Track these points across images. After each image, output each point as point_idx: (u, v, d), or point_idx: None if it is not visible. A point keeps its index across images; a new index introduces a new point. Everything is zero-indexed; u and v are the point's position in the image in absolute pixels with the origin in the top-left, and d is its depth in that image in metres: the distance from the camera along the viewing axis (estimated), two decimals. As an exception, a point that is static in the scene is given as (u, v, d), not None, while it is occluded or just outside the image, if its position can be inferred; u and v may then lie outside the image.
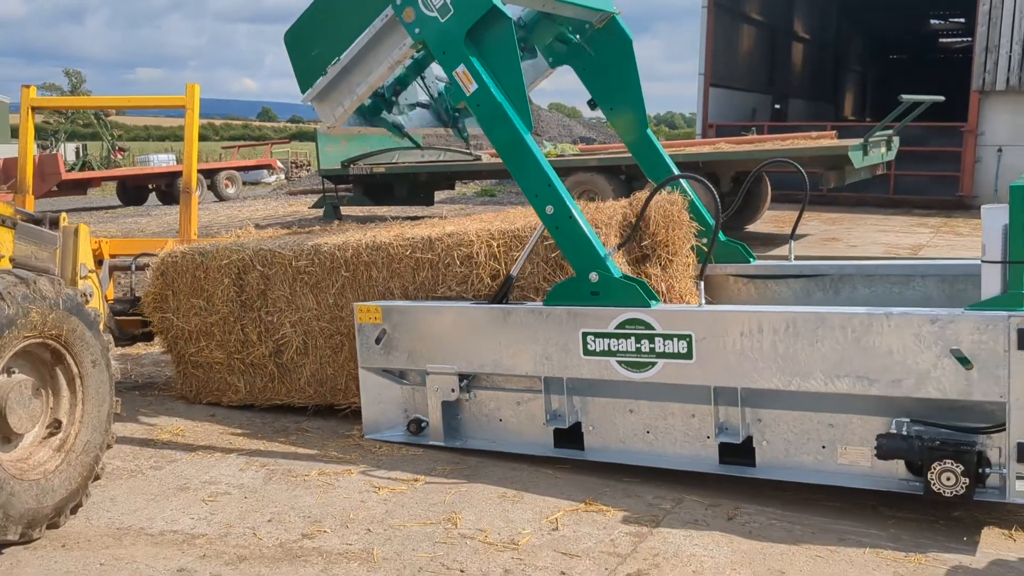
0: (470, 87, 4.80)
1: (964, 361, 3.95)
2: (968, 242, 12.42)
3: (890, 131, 12.71)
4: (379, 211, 16.03)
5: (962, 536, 4.05)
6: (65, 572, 3.79)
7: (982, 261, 4.08)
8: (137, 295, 6.95)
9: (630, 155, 14.03)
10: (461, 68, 4.80)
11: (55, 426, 4.27)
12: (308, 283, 5.64)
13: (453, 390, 5.08)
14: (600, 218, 5.31)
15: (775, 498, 4.43)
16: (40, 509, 4.01)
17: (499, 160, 16.69)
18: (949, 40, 34.50)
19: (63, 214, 6.52)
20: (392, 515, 4.31)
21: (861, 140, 11.83)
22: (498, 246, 5.22)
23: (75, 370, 4.32)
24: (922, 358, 4.02)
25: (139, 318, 6.64)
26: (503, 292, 5.04)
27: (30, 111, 7.63)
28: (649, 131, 5.97)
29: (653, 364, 4.55)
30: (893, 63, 35.77)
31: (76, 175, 25.78)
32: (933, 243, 12.69)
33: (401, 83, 5.78)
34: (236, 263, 5.82)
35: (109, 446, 4.50)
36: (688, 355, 4.48)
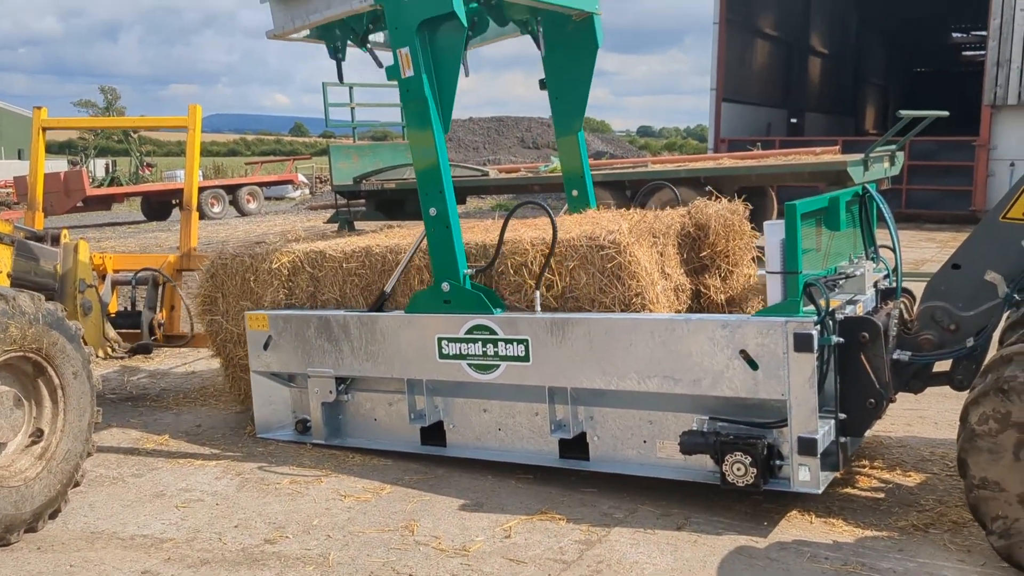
0: (407, 71, 5.02)
1: (751, 363, 4.25)
2: (972, 257, 12.39)
3: (892, 146, 12.76)
4: (393, 225, 16.25)
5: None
6: (37, 573, 4.00)
7: (766, 272, 4.41)
8: (138, 309, 7.22)
9: (633, 170, 14.11)
10: (405, 50, 4.99)
11: (37, 435, 4.49)
12: (359, 285, 5.57)
13: (331, 392, 5.45)
14: (658, 227, 5.31)
15: (727, 508, 4.55)
16: (18, 515, 4.23)
17: (508, 176, 16.87)
18: (972, 53, 34.29)
19: (64, 230, 6.80)
20: (353, 522, 4.49)
21: (861, 156, 11.90)
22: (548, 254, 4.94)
23: (57, 381, 4.54)
24: (716, 359, 4.35)
25: (138, 331, 6.89)
26: (378, 304, 5.35)
27: (41, 131, 7.93)
28: (581, 134, 6.19)
29: (497, 366, 4.92)
30: (916, 76, 35.59)
31: (101, 191, 26.34)
32: (937, 258, 12.69)
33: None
34: (286, 265, 5.76)
35: (90, 454, 4.71)
36: (526, 358, 4.83)
